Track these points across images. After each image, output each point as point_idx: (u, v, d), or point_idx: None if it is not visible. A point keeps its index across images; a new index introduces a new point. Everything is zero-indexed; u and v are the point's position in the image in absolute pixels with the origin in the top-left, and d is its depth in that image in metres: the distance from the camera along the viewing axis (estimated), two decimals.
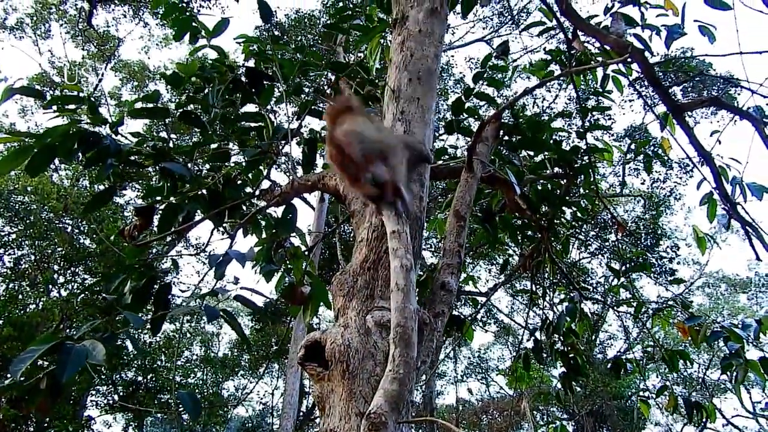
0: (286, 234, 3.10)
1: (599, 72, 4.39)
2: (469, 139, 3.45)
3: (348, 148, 2.02)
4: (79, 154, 2.53)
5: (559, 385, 4.63)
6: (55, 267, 13.09)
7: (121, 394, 14.69)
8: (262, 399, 22.33)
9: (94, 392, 14.43)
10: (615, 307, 5.07)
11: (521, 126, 3.67)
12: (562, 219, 4.42)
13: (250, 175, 3.26)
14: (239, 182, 3.21)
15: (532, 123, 3.73)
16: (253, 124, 3.41)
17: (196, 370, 18.62)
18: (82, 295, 11.85)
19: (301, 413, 17.04)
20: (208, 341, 21.20)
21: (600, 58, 4.05)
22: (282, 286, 3.14)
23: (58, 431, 10.77)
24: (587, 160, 4.01)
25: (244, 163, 3.26)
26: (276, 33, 13.48)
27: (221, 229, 3.27)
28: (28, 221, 12.28)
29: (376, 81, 3.78)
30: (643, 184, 16.24)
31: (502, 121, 3.46)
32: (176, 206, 2.88)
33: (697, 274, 22.56)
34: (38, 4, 17.66)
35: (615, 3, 3.95)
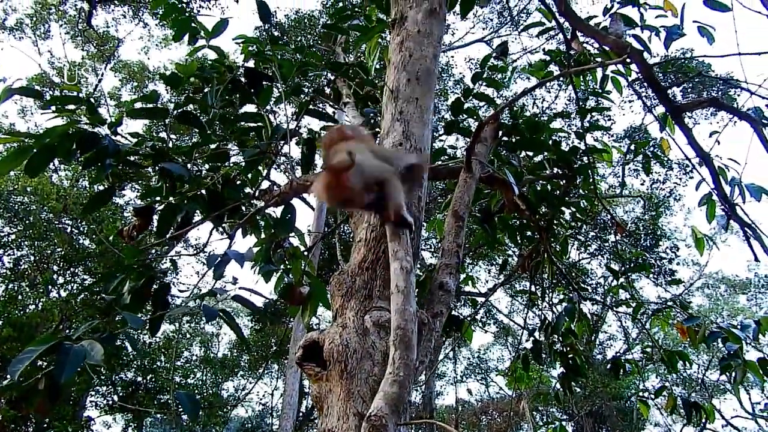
0: (285, 234, 3.10)
1: (599, 73, 4.39)
2: (468, 139, 3.46)
3: (345, 180, 2.00)
4: (78, 154, 2.53)
5: (558, 386, 4.62)
6: (55, 267, 13.08)
7: (120, 394, 14.67)
8: (261, 399, 22.35)
9: (93, 393, 14.41)
10: (614, 308, 5.07)
11: (520, 126, 3.67)
12: (561, 219, 4.42)
13: (249, 176, 3.26)
14: (238, 182, 3.21)
15: (531, 123, 3.73)
16: (252, 125, 3.41)
17: (195, 370, 18.60)
18: (82, 295, 11.85)
19: (301, 414, 17.04)
20: (207, 342, 21.19)
21: (599, 59, 4.06)
22: (281, 287, 3.14)
23: None
24: (586, 161, 4.01)
25: (243, 164, 3.26)
26: (276, 33, 13.48)
27: (220, 229, 3.27)
28: (27, 222, 12.28)
29: (375, 81, 3.79)
30: (642, 185, 16.24)
31: (501, 121, 3.46)
32: (175, 206, 2.88)
33: (697, 275, 22.59)
34: (38, 4, 17.64)
35: (614, 4, 3.95)
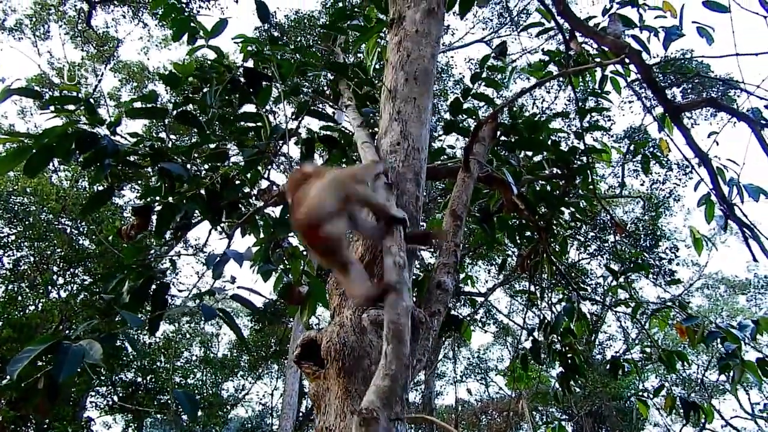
0: (284, 234, 3.11)
1: (598, 73, 4.40)
2: (467, 139, 3.46)
3: (319, 234, 1.94)
4: (77, 154, 2.53)
5: (557, 386, 4.63)
6: (55, 268, 13.07)
7: (120, 395, 14.66)
8: (261, 399, 22.35)
9: (93, 393, 14.40)
10: (613, 308, 5.07)
11: (519, 126, 3.67)
12: (561, 219, 4.43)
13: (248, 175, 3.27)
14: (237, 182, 3.22)
15: (530, 123, 3.74)
16: (251, 125, 3.42)
17: (195, 370, 18.58)
18: (82, 296, 11.85)
19: (301, 413, 17.02)
20: (207, 342, 21.18)
21: (598, 59, 4.06)
22: (280, 286, 3.15)
23: None
24: (585, 161, 4.02)
25: (242, 163, 3.26)
26: (275, 33, 13.49)
27: (219, 228, 3.27)
28: (27, 222, 12.28)
29: (374, 81, 3.79)
30: (642, 185, 16.24)
31: (500, 121, 3.46)
32: (174, 206, 2.89)
33: (697, 276, 22.59)
34: (37, 5, 17.64)
35: (613, 4, 3.96)
